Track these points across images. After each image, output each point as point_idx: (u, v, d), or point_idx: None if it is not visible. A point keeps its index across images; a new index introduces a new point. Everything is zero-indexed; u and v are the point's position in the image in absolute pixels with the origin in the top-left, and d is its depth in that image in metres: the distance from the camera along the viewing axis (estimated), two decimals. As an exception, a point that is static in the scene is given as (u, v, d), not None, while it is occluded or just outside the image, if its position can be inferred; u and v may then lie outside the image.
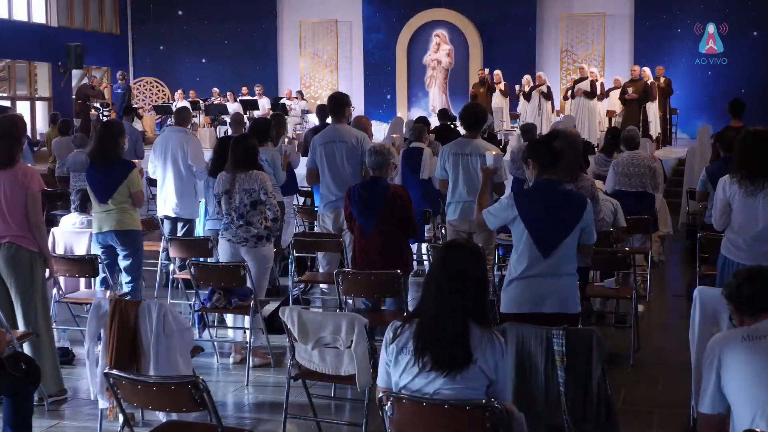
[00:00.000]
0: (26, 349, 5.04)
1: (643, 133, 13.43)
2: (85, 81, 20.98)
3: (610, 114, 16.32)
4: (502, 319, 4.03)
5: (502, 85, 17.48)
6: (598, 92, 15.77)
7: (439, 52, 20.13)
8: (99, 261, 6.02)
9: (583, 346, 3.70)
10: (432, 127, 10.72)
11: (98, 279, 6.31)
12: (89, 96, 18.85)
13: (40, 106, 20.84)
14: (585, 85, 15.61)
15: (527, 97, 16.77)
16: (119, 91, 19.28)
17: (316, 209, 8.52)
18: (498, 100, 17.38)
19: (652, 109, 15.48)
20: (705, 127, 11.54)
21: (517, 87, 17.44)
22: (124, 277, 6.32)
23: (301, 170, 8.73)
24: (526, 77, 17.17)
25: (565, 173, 4.97)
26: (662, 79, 16.08)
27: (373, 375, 4.03)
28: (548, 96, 16.71)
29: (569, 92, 16.32)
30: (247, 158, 5.95)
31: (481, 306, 3.16)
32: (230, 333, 6.42)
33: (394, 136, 8.05)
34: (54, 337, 5.36)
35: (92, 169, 6.29)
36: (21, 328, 5.05)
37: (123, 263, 6.28)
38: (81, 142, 11.38)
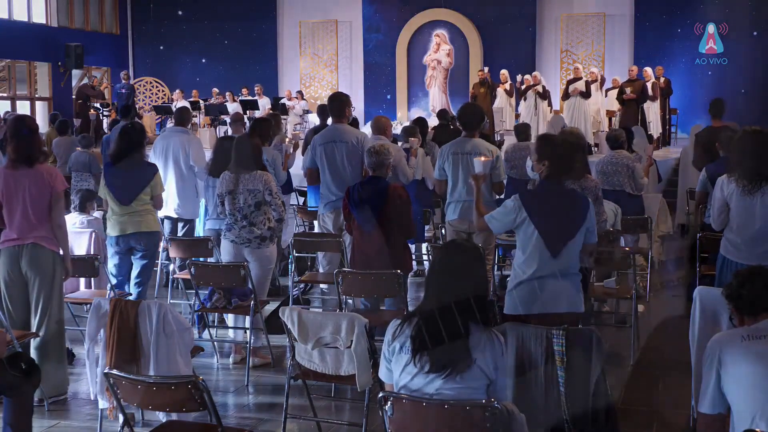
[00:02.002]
0: (32, 348, 5.05)
1: (642, 134, 13.40)
2: (85, 81, 20.98)
3: (610, 114, 16.31)
4: (506, 321, 4.03)
5: (507, 85, 17.40)
6: (598, 92, 15.74)
7: (439, 52, 20.11)
8: (98, 262, 5.99)
9: (583, 346, 3.70)
10: (431, 127, 10.72)
11: (109, 284, 6.26)
12: (89, 96, 18.85)
13: (40, 106, 20.82)
14: (580, 85, 15.59)
15: (523, 96, 16.74)
16: (123, 91, 19.20)
17: (310, 209, 8.53)
18: (501, 100, 17.32)
19: (653, 109, 15.47)
20: (697, 127, 11.53)
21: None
22: (135, 278, 6.33)
23: (296, 169, 8.74)
24: (525, 77, 17.13)
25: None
26: (662, 79, 16.07)
27: (373, 375, 4.04)
28: (544, 96, 16.67)
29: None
30: (251, 158, 5.94)
31: (481, 306, 3.16)
32: (230, 333, 6.42)
33: (412, 139, 8.00)
34: (65, 338, 5.34)
35: (115, 170, 6.22)
36: (34, 327, 5.05)
37: (138, 263, 6.30)
38: (87, 143, 11.39)
